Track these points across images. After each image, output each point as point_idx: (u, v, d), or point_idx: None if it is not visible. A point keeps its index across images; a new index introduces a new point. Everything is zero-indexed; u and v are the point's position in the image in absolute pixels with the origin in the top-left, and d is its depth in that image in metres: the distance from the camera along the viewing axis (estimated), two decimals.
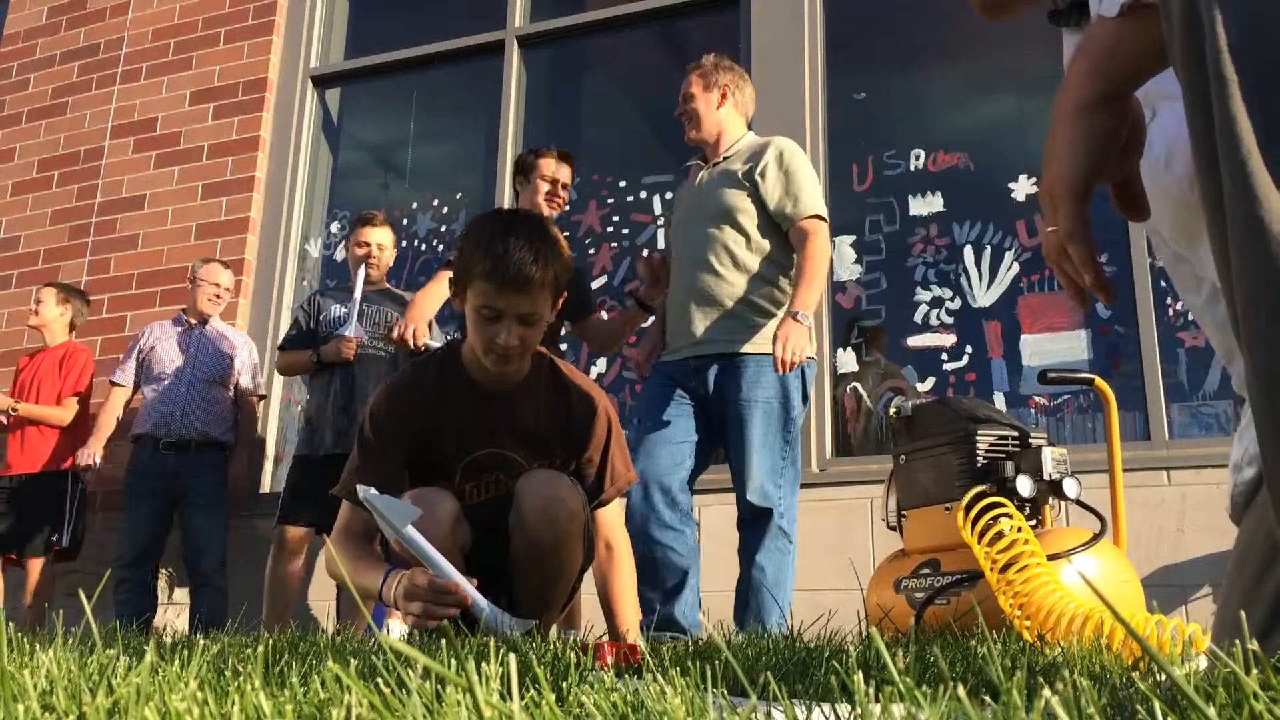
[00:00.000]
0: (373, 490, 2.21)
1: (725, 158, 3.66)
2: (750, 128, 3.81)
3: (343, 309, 4.67)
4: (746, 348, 3.42)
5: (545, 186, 4.10)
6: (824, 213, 3.52)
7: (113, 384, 5.07)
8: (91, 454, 4.92)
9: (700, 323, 3.48)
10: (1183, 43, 0.80)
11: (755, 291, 3.46)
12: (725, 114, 3.71)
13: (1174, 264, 1.22)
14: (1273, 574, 0.97)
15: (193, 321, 5.10)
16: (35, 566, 4.88)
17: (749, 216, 3.51)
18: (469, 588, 2.19)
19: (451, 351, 2.53)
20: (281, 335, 5.07)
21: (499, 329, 2.33)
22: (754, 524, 3.27)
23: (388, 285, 4.90)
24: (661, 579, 3.23)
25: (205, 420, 4.90)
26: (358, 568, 2.33)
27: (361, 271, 4.69)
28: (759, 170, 3.52)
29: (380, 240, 4.78)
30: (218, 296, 5.13)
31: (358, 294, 4.65)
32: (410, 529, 2.18)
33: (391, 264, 4.93)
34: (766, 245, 3.51)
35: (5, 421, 5.09)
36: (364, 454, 2.43)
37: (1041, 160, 1.05)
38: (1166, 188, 1.12)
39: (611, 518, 2.55)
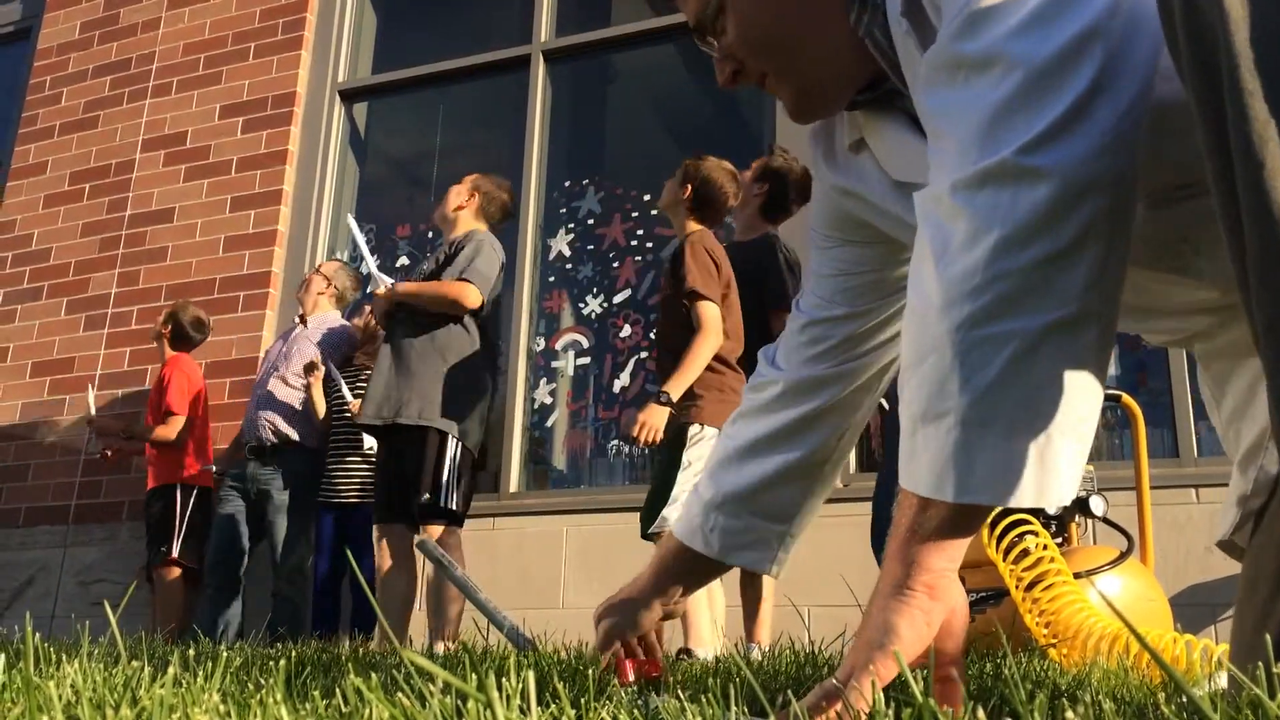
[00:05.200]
0: (430, 540, 2.39)
1: None
2: None
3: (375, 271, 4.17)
4: None
5: None
6: None
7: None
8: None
9: None
10: (1190, 56, 0.78)
11: None
12: None
13: None
14: None
15: (296, 321, 5.07)
16: (159, 579, 4.91)
17: None
18: (509, 623, 2.24)
19: None
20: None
21: None
22: None
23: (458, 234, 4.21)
24: None
25: (282, 420, 4.78)
26: None
27: (354, 223, 4.35)
28: None
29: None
30: (307, 290, 5.06)
31: (357, 235, 4.33)
32: (459, 570, 2.25)
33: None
34: None
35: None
36: None
37: None
38: None
39: None
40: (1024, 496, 0.89)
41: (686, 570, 1.44)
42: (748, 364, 3.59)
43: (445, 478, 3.76)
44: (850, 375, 1.35)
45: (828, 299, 1.35)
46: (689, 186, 3.69)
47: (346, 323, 5.08)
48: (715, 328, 3.46)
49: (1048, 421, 0.88)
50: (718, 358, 3.49)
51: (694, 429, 3.41)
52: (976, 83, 0.92)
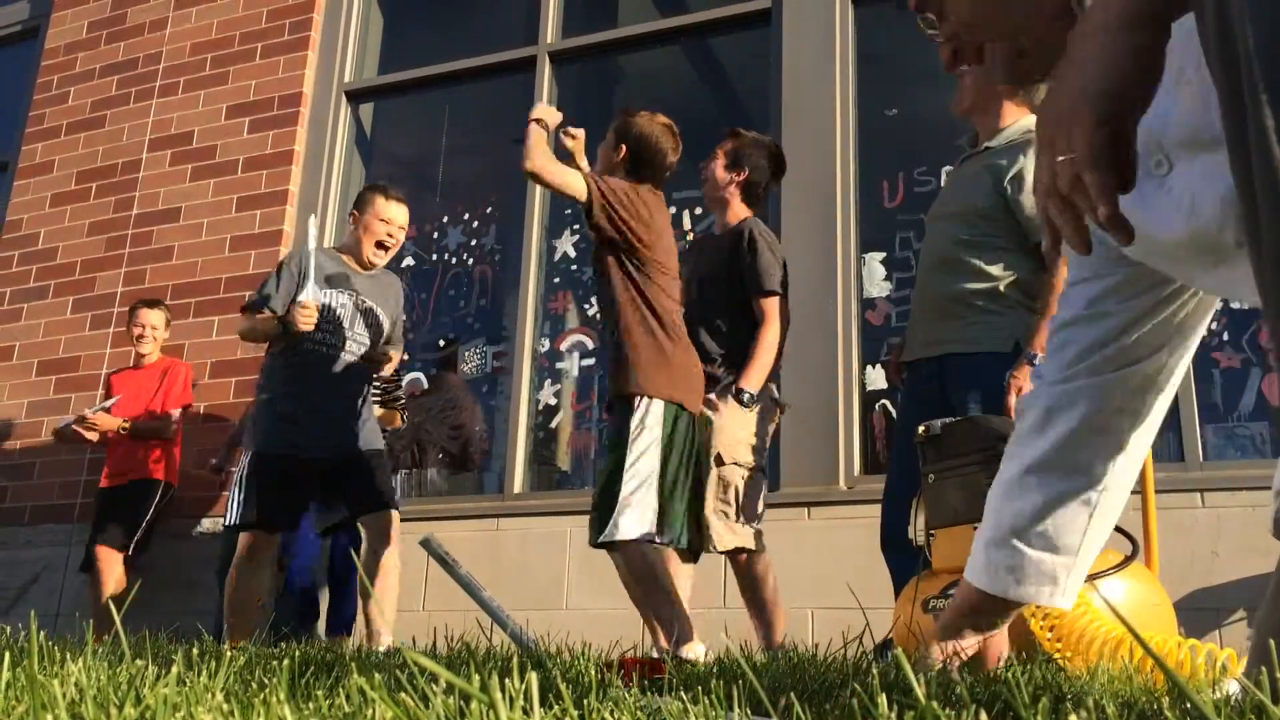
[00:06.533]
0: (435, 538, 2.39)
1: (987, 147, 3.24)
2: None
3: (313, 285, 3.92)
4: (957, 348, 3.18)
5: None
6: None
7: None
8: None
9: (926, 323, 3.29)
10: (1217, 52, 0.80)
11: (979, 293, 3.17)
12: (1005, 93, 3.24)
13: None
14: None
15: None
16: (102, 560, 4.83)
17: (987, 219, 3.17)
18: (509, 620, 2.24)
19: None
20: None
21: None
22: None
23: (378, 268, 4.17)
24: None
25: None
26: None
27: (312, 226, 4.11)
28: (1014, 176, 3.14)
29: (404, 223, 4.16)
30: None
31: (312, 244, 4.03)
32: (463, 570, 2.25)
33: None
34: (998, 246, 3.16)
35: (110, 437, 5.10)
36: None
37: (1052, 82, 0.92)
38: (1192, 232, 1.09)
39: None
40: None
41: (977, 610, 1.47)
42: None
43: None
44: (1102, 390, 1.33)
45: (1070, 304, 1.36)
46: (624, 147, 3.35)
47: None
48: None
49: None
50: (660, 323, 3.18)
51: (635, 419, 3.06)
52: None
